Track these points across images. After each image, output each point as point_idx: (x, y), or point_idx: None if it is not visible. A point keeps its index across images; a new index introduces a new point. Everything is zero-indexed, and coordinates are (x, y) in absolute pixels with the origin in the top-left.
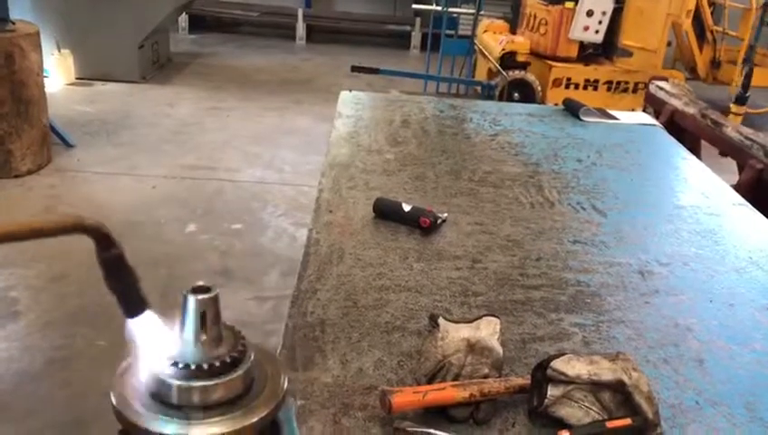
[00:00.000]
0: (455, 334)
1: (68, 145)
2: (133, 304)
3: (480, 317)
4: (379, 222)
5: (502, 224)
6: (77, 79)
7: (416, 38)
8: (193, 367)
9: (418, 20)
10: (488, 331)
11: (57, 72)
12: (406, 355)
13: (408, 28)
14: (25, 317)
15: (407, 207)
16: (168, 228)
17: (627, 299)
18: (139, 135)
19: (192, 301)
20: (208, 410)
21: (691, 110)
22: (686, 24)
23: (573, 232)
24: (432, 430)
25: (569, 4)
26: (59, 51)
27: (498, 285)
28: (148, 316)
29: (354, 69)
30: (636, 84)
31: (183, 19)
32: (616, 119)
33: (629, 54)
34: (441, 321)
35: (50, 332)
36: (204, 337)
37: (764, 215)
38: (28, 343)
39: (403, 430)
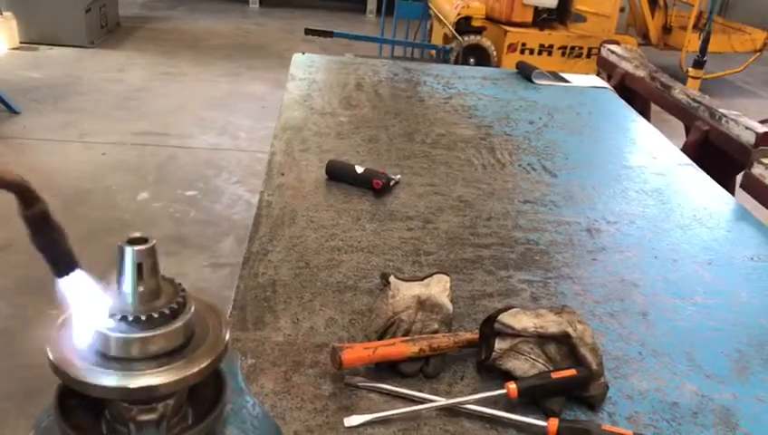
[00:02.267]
0: (405, 292)
1: (13, 112)
2: (62, 262)
3: (431, 275)
4: (331, 184)
5: (454, 185)
6: (21, 43)
7: (372, 2)
8: (131, 318)
9: None
10: (438, 288)
11: (0, 36)
12: (357, 313)
13: None
14: None
15: (359, 169)
16: (119, 196)
17: (574, 256)
18: (88, 101)
19: (128, 252)
20: (147, 361)
21: (641, 72)
22: None
23: (524, 192)
24: (382, 385)
25: None
26: (1, 14)
27: (449, 244)
28: (79, 275)
29: (308, 32)
30: (590, 49)
31: None
32: (568, 82)
33: (583, 19)
34: (392, 279)
35: None
36: (141, 288)
37: (709, 174)
38: None
39: (354, 386)
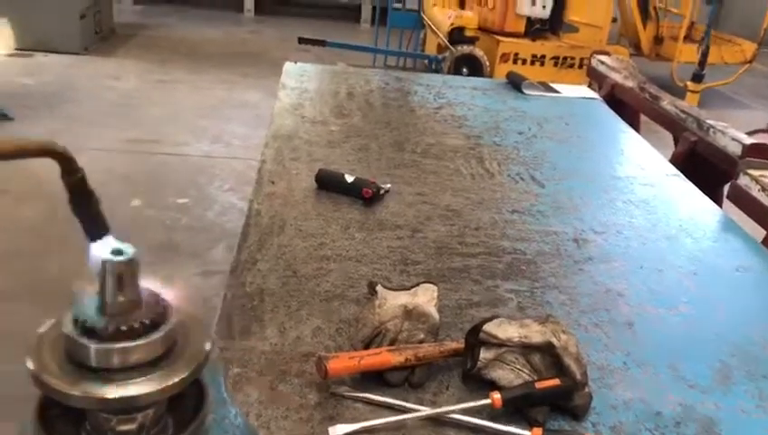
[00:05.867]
0: (392, 301)
1: (7, 118)
2: (95, 226)
3: (418, 284)
4: (321, 193)
5: (443, 194)
6: (16, 50)
7: (366, 11)
8: (110, 329)
9: None
10: (426, 297)
11: None
12: (344, 323)
13: (358, 1)
14: None
15: (349, 178)
16: (111, 203)
17: (561, 266)
18: (82, 108)
19: (110, 263)
20: (126, 371)
21: (630, 83)
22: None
23: (512, 202)
24: (368, 395)
25: None
26: None
27: (437, 253)
28: (109, 239)
29: (301, 41)
30: (581, 60)
31: None
32: (557, 92)
33: (575, 30)
34: (379, 288)
35: None
36: (121, 299)
37: (697, 185)
38: None
39: (339, 395)
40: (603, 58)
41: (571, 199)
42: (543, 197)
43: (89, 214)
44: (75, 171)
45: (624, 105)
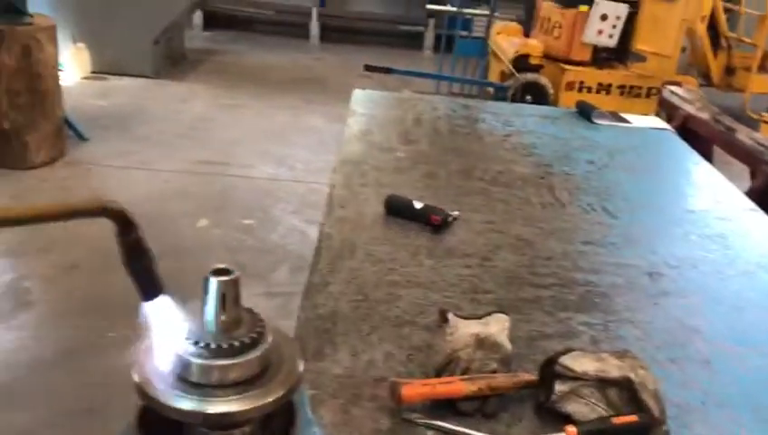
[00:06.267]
0: (464, 330)
1: (82, 138)
2: (150, 286)
3: (489, 314)
4: (389, 219)
5: (512, 223)
6: (92, 73)
7: (429, 39)
8: (213, 346)
9: (432, 21)
10: (497, 327)
11: (72, 65)
12: (415, 349)
13: (422, 29)
14: (38, 307)
15: (418, 205)
16: (179, 222)
17: (635, 300)
18: (153, 130)
19: (213, 282)
20: (226, 388)
21: (704, 115)
22: (701, 29)
23: (583, 233)
24: (440, 423)
25: (583, 8)
26: (74, 44)
27: (508, 283)
28: (164, 300)
29: (367, 68)
30: (649, 89)
31: (198, 16)
32: (628, 122)
33: (643, 59)
34: (451, 316)
35: (61, 322)
36: (223, 318)
37: None
38: (40, 333)
39: (411, 422)
40: (675, 89)
41: (644, 232)
42: (616, 228)
43: (144, 273)
44: (132, 231)
45: (697, 137)
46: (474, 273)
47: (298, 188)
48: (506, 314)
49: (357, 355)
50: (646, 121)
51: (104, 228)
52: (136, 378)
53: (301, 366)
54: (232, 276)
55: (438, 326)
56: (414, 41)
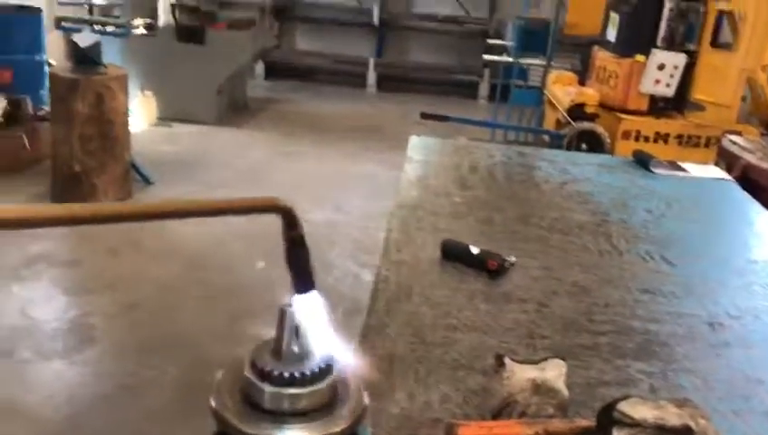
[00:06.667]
0: (521, 374)
1: (147, 182)
2: (304, 280)
3: (546, 359)
4: (446, 263)
5: (569, 270)
6: (158, 120)
7: (483, 88)
8: (286, 375)
9: (487, 71)
10: (554, 373)
11: (140, 112)
12: (471, 392)
13: (477, 78)
14: (101, 343)
15: (474, 250)
16: (238, 263)
17: (695, 350)
18: (215, 175)
19: (288, 314)
20: (296, 416)
21: (765, 164)
22: (762, 78)
23: (642, 281)
24: None
25: (640, 58)
26: (143, 93)
27: (564, 328)
28: (314, 296)
29: (424, 116)
30: (708, 139)
31: (260, 66)
32: (687, 172)
33: (702, 109)
34: (507, 360)
35: (123, 358)
36: (296, 349)
37: None
38: (102, 369)
39: None
40: (735, 138)
41: (704, 281)
42: (675, 277)
43: (300, 268)
44: (296, 228)
45: (758, 187)
46: (530, 318)
47: (353, 232)
48: (563, 360)
49: (414, 397)
50: (705, 171)
51: (166, 269)
52: (212, 403)
53: (366, 399)
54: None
55: (495, 371)
56: (469, 90)
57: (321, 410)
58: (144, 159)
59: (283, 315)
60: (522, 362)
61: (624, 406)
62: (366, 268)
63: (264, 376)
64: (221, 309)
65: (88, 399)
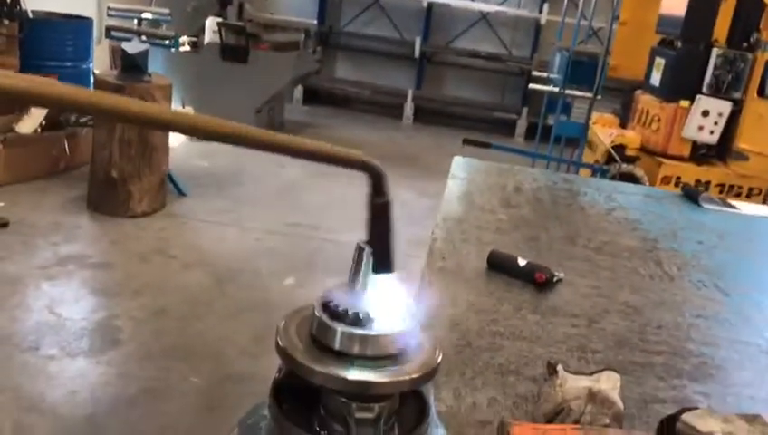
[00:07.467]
0: (574, 383)
1: (181, 194)
2: (381, 257)
3: (600, 371)
4: (491, 274)
5: (620, 290)
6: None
7: (521, 126)
8: (361, 316)
9: (525, 109)
10: (609, 384)
11: None
12: (521, 398)
13: (515, 116)
14: (126, 346)
15: (522, 262)
16: (267, 279)
17: (755, 377)
18: (248, 191)
19: (366, 253)
20: (367, 359)
21: None
22: None
23: (695, 307)
24: None
25: (684, 103)
26: (183, 107)
27: (617, 345)
28: (391, 276)
29: (466, 142)
30: (750, 189)
31: (299, 90)
32: (736, 208)
33: (745, 158)
34: (560, 369)
35: (147, 362)
36: (372, 289)
37: None
38: (125, 371)
39: None
40: None
41: (759, 312)
42: (729, 305)
43: (379, 243)
44: (383, 194)
45: None
46: (581, 332)
47: None
48: (618, 373)
49: (460, 397)
50: (755, 209)
51: (195, 280)
52: (279, 342)
53: (439, 356)
54: None
55: (545, 379)
56: (506, 127)
57: (393, 357)
58: (180, 171)
59: (359, 253)
60: (575, 373)
61: (689, 417)
62: None
63: (336, 316)
64: (247, 324)
65: (110, 399)
